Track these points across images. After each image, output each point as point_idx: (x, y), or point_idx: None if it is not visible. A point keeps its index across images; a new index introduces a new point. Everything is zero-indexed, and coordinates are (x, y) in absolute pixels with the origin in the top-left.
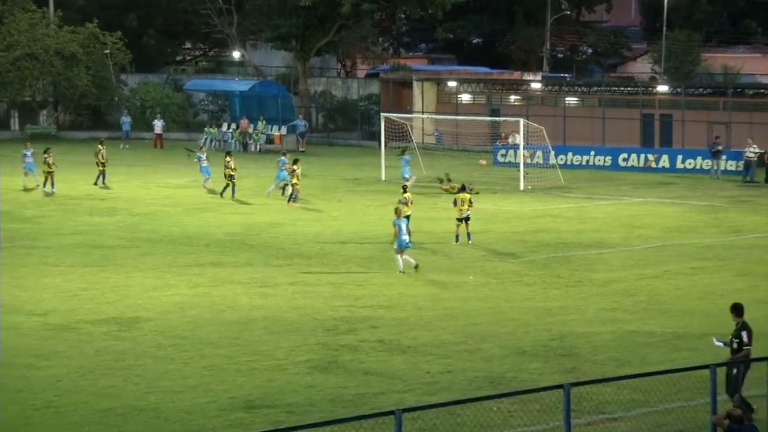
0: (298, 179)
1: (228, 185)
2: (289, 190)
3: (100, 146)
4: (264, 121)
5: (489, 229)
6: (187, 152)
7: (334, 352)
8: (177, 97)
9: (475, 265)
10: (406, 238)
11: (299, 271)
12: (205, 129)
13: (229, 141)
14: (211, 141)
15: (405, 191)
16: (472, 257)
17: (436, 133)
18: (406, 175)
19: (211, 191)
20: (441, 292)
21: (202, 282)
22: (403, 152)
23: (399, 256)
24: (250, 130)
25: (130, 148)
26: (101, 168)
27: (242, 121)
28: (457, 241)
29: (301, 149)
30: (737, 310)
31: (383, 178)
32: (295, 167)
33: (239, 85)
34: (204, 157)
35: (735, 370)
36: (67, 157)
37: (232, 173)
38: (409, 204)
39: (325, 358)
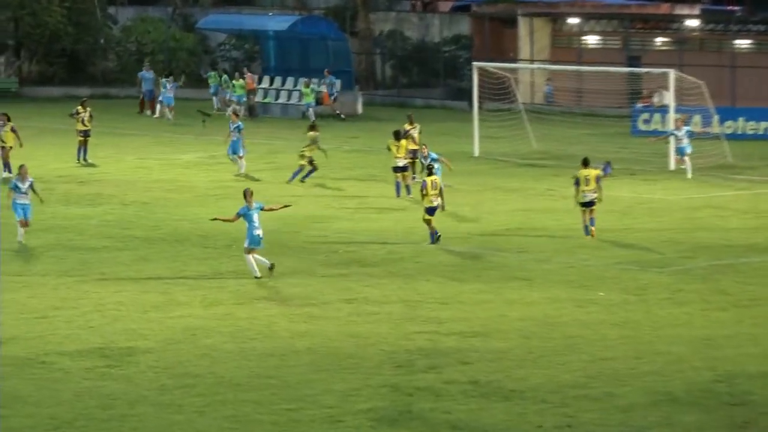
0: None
1: (304, 168)
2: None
3: (80, 108)
4: (238, 80)
5: (626, 226)
6: (202, 116)
7: (407, 397)
8: (187, 40)
9: (606, 275)
10: (259, 232)
11: (358, 283)
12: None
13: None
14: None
15: (431, 173)
16: (601, 264)
17: (546, 88)
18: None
19: (245, 175)
20: (558, 315)
21: (222, 299)
22: (685, 123)
23: (251, 257)
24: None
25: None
26: (82, 138)
27: (247, 74)
28: (587, 233)
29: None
30: None
31: (477, 153)
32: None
33: (274, 22)
34: (234, 128)
35: None
36: (31, 122)
37: (415, 148)
38: (433, 192)
39: (395, 406)
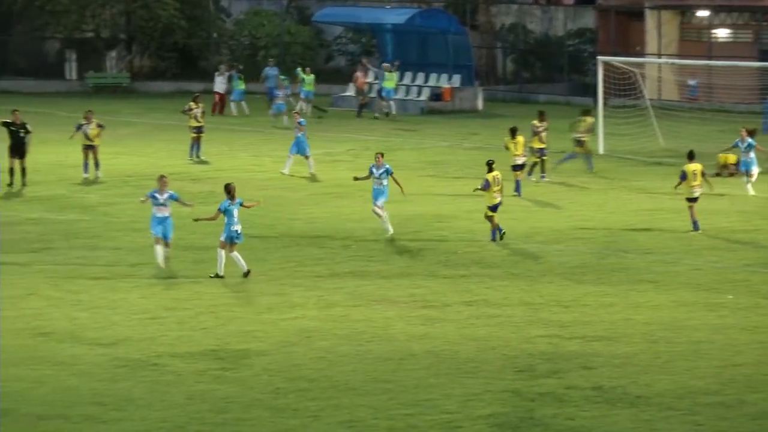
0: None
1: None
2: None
3: (193, 104)
4: (308, 74)
5: (757, 227)
6: (318, 113)
7: (529, 403)
8: (303, 33)
9: (735, 278)
10: (237, 228)
11: (479, 285)
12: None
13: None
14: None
15: (492, 170)
16: (731, 266)
17: (691, 83)
18: None
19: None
20: (686, 318)
21: (337, 300)
22: (750, 134)
23: (223, 252)
24: (370, 80)
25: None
26: (196, 135)
27: (359, 69)
28: (695, 229)
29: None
30: None
31: (601, 150)
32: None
33: (392, 15)
34: (301, 124)
35: None
36: (143, 118)
37: (543, 146)
38: (495, 188)
39: (516, 412)
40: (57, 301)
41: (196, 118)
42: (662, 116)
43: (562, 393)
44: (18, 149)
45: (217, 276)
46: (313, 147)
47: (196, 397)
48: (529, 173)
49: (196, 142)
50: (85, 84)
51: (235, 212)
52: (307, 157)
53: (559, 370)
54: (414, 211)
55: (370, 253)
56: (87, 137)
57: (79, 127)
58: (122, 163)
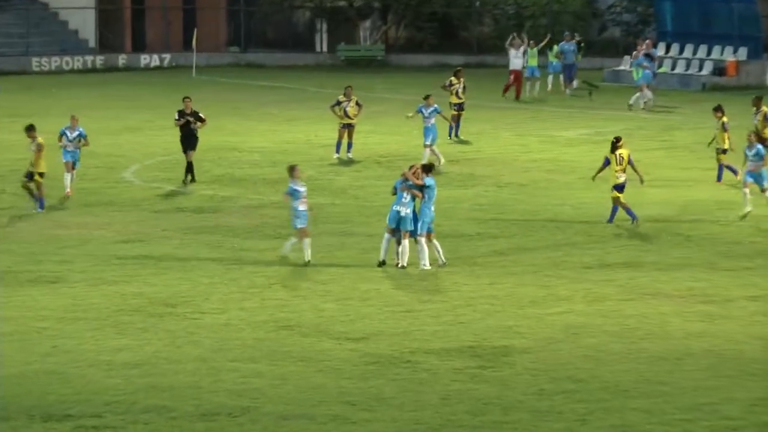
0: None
1: None
2: None
3: (454, 79)
4: (532, 48)
5: None
6: (589, 88)
7: None
8: (573, 2)
9: None
10: (398, 208)
11: (765, 278)
12: None
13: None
14: None
15: (616, 147)
16: None
17: None
18: None
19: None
20: None
21: (607, 293)
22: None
23: (406, 242)
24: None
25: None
26: (456, 112)
27: (639, 42)
28: None
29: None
30: None
31: None
32: None
33: None
34: (432, 111)
35: None
36: (398, 94)
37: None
38: (617, 168)
39: None
40: (304, 291)
41: (457, 93)
42: None
43: None
44: (188, 140)
45: (382, 263)
46: (582, 126)
47: (451, 397)
48: None
49: (456, 121)
50: (336, 57)
51: (405, 198)
52: (425, 146)
53: None
54: (693, 196)
55: (643, 241)
56: (346, 115)
57: (337, 104)
58: (375, 142)
